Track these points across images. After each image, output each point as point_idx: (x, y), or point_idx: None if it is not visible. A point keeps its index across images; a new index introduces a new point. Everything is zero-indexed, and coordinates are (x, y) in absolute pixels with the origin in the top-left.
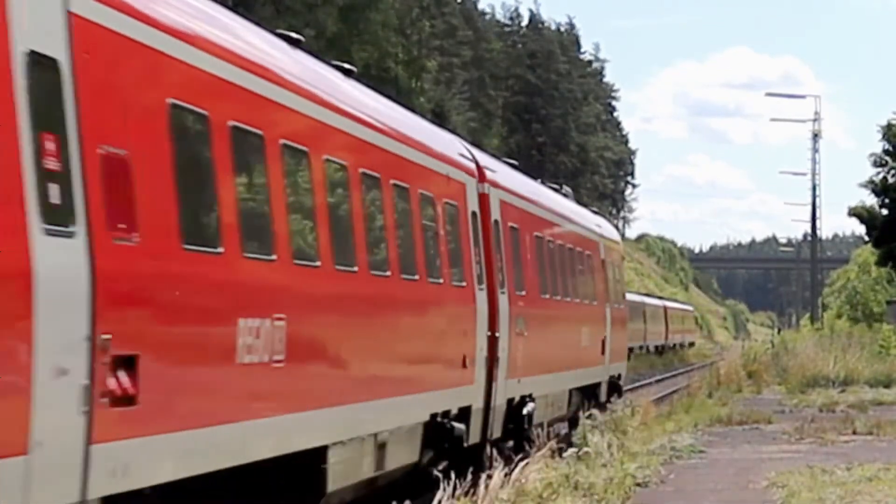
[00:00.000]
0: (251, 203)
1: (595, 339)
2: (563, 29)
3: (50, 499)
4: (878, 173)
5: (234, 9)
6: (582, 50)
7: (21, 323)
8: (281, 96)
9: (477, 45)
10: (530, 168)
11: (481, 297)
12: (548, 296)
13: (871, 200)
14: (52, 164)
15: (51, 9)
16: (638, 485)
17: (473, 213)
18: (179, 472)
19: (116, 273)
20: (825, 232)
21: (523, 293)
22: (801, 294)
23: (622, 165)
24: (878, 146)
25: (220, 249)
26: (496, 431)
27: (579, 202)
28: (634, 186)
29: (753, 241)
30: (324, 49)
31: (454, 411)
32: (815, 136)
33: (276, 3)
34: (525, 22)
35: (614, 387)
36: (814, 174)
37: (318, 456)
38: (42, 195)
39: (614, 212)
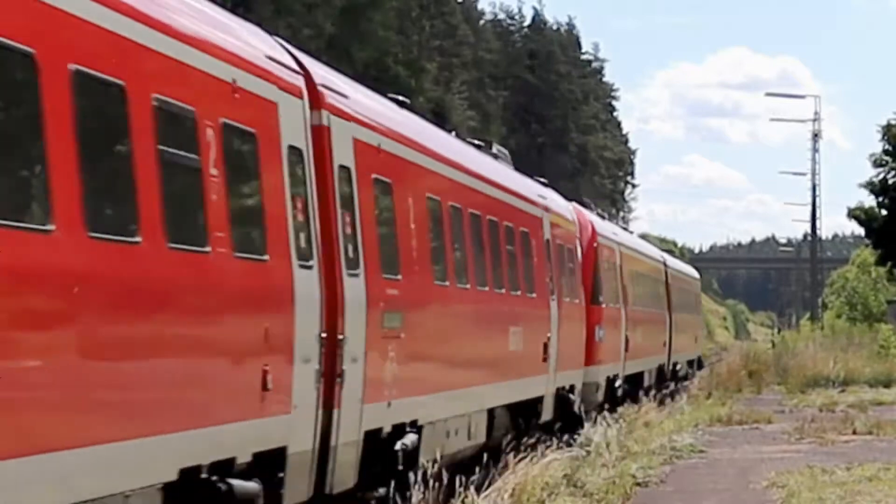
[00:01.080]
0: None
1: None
2: (563, 29)
3: None
4: (878, 174)
5: (234, 9)
6: (582, 50)
7: None
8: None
9: (477, 45)
10: (530, 168)
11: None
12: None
13: (870, 201)
14: None
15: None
16: (638, 485)
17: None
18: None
19: None
20: (825, 232)
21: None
22: (801, 294)
23: (622, 165)
24: (878, 146)
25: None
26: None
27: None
28: (634, 186)
29: (753, 242)
30: (323, 49)
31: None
32: (815, 135)
33: (275, 2)
34: (526, 22)
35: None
36: (814, 174)
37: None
38: None
39: (614, 212)
